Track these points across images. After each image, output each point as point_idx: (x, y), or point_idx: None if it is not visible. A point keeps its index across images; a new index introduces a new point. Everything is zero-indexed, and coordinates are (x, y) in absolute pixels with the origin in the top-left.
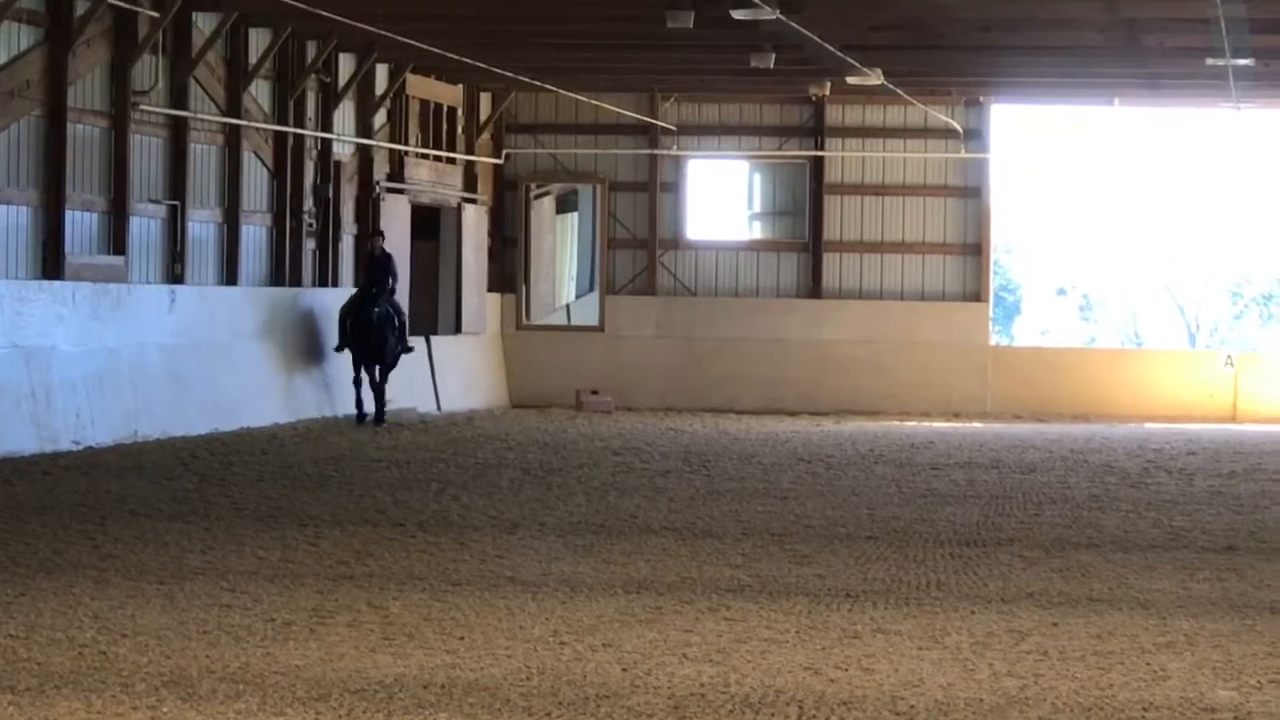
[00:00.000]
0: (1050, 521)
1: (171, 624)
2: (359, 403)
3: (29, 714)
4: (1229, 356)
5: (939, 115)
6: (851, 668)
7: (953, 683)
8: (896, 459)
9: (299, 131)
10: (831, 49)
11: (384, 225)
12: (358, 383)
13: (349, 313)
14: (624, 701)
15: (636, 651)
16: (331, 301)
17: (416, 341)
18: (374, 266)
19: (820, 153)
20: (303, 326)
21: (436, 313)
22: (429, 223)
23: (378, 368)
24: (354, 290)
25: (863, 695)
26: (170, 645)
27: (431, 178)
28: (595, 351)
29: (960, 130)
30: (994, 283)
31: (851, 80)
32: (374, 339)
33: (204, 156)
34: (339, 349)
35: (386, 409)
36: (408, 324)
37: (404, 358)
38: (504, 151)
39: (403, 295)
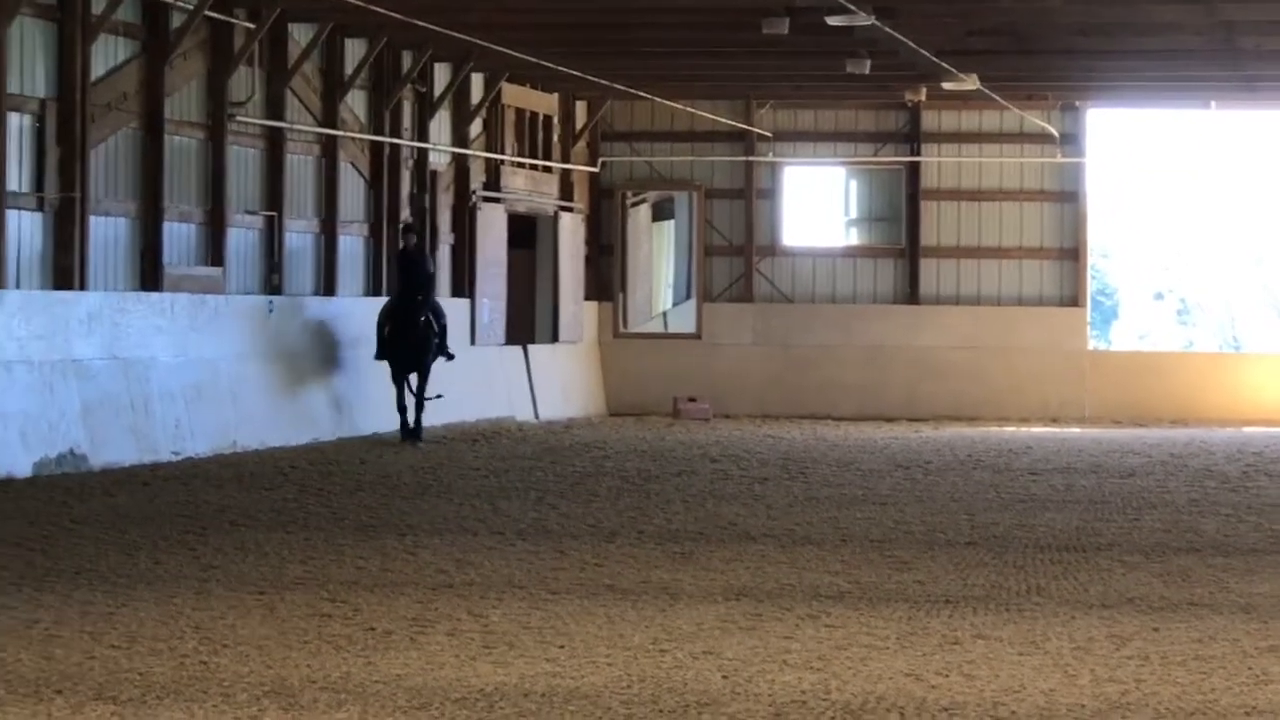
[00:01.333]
0: (1150, 526)
1: (272, 634)
2: (404, 421)
3: None
4: None
5: (1035, 120)
6: (952, 674)
7: (1054, 688)
8: (995, 464)
9: (395, 141)
10: (927, 54)
11: (480, 234)
12: (401, 404)
13: (387, 319)
14: (725, 709)
15: (737, 659)
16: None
17: (514, 351)
18: (408, 264)
19: (916, 158)
20: None
21: (534, 321)
22: (525, 232)
23: (414, 376)
24: (422, 295)
25: (964, 701)
26: (271, 655)
27: (528, 186)
28: (692, 359)
29: (1056, 135)
30: (1091, 287)
31: (947, 85)
32: (414, 347)
33: (300, 167)
34: (378, 357)
35: (424, 426)
36: (448, 327)
37: (482, 372)
38: (600, 160)
39: (499, 300)
